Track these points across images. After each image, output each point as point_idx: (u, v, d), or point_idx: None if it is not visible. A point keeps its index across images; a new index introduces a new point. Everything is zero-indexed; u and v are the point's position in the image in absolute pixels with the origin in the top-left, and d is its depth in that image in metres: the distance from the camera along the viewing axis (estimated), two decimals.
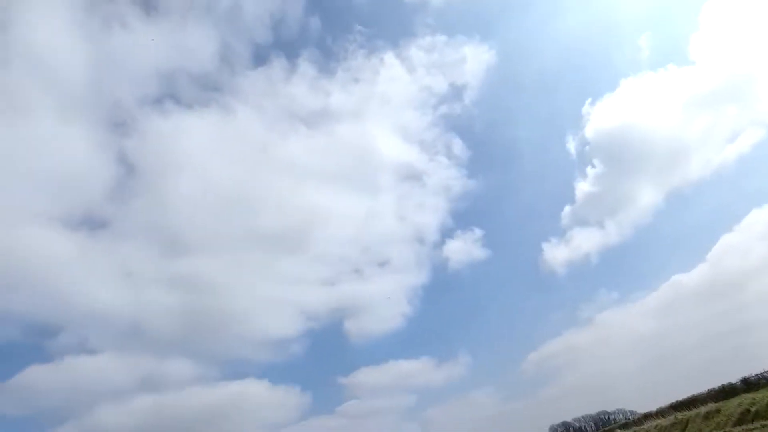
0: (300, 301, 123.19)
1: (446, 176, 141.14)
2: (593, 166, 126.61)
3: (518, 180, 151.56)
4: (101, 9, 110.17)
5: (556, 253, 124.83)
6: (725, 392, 36.37)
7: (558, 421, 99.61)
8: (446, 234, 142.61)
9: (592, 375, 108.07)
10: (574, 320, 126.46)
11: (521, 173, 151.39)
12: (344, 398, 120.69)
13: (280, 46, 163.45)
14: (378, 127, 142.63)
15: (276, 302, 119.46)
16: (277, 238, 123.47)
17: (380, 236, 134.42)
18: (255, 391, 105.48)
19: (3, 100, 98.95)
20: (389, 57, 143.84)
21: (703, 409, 33.16)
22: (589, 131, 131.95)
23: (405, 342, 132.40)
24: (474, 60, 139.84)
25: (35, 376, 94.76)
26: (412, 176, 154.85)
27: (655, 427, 38.53)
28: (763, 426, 24.98)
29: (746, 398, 29.94)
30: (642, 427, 42.57)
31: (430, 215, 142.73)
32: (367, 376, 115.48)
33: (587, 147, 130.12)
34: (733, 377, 38.15)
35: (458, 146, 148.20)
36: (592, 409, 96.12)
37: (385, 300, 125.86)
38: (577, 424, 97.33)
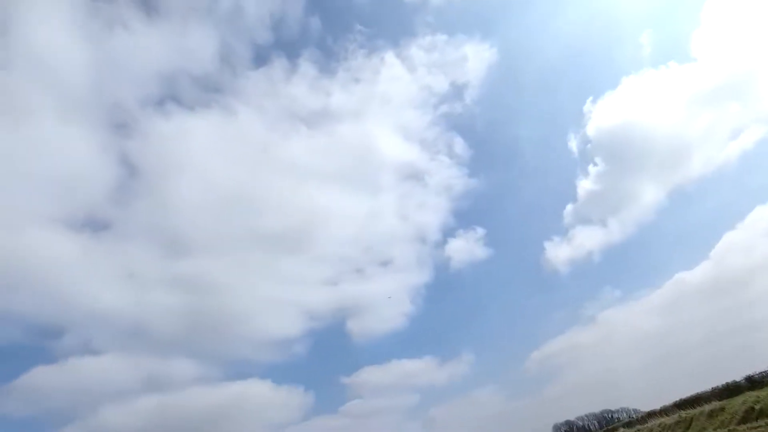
0: (302, 301, 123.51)
1: (447, 175, 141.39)
2: (595, 164, 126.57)
3: (520, 179, 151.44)
4: (102, 11, 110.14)
5: (559, 252, 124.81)
6: (729, 390, 36.25)
7: (561, 419, 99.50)
8: (448, 233, 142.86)
9: (595, 373, 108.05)
10: (577, 319, 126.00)
11: (523, 172, 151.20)
12: (347, 398, 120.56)
13: (280, 47, 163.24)
14: (379, 127, 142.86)
15: (278, 302, 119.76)
16: (279, 238, 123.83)
17: (382, 236, 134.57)
18: (258, 391, 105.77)
19: (5, 102, 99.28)
20: (390, 56, 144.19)
21: (707, 408, 33.09)
22: (591, 129, 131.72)
23: (408, 341, 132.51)
24: (475, 59, 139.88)
25: (40, 377, 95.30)
26: (413, 175, 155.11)
27: (659, 425, 38.43)
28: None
29: (750, 396, 29.87)
30: (646, 425, 42.44)
31: (432, 214, 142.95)
32: (370, 375, 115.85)
33: (589, 145, 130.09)
34: (737, 375, 38.07)
35: (459, 145, 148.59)
36: (596, 408, 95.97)
37: (387, 300, 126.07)
38: (581, 423, 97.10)
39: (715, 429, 29.68)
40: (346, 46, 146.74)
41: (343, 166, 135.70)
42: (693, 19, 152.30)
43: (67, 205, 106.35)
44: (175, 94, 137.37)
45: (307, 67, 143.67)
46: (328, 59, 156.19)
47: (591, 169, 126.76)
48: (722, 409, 31.10)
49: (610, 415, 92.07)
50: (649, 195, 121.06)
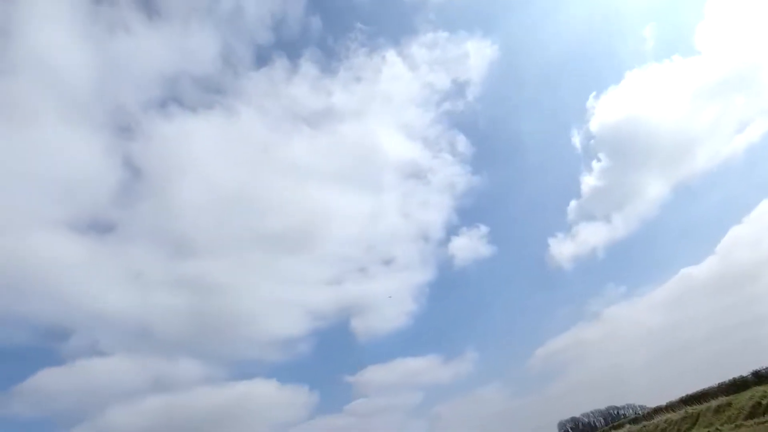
0: (306, 301, 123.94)
1: (450, 173, 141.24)
2: (599, 160, 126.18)
3: (523, 175, 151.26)
4: (104, 14, 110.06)
5: (563, 249, 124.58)
6: (736, 385, 35.91)
7: (567, 416, 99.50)
8: (451, 231, 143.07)
9: (600, 370, 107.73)
10: (581, 315, 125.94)
11: (526, 168, 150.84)
12: (352, 397, 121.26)
13: (281, 47, 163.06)
14: (381, 126, 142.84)
15: (283, 302, 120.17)
16: (283, 238, 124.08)
17: (385, 235, 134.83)
18: (263, 390, 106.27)
19: (9, 106, 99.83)
20: (391, 55, 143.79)
21: (714, 403, 32.87)
22: (594, 125, 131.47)
23: (412, 340, 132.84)
24: (476, 55, 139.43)
25: (48, 378, 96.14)
26: (416, 174, 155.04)
27: (666, 421, 38.22)
28: None
29: (758, 391, 29.65)
30: (652, 421, 42.18)
31: (435, 212, 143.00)
32: (374, 374, 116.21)
33: (592, 141, 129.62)
34: (744, 370, 37.60)
35: (462, 143, 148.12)
36: (601, 404, 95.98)
37: (390, 299, 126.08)
38: (586, 420, 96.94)
39: (722, 424, 29.48)
40: (347, 45, 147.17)
41: (346, 166, 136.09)
42: (697, 12, 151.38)
43: (71, 207, 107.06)
44: (177, 95, 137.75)
45: (308, 66, 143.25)
46: (329, 59, 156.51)
47: (594, 164, 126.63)
48: (729, 404, 30.89)
49: (615, 412, 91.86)
50: (653, 190, 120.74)
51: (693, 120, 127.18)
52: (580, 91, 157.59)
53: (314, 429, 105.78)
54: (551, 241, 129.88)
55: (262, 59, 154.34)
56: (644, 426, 43.85)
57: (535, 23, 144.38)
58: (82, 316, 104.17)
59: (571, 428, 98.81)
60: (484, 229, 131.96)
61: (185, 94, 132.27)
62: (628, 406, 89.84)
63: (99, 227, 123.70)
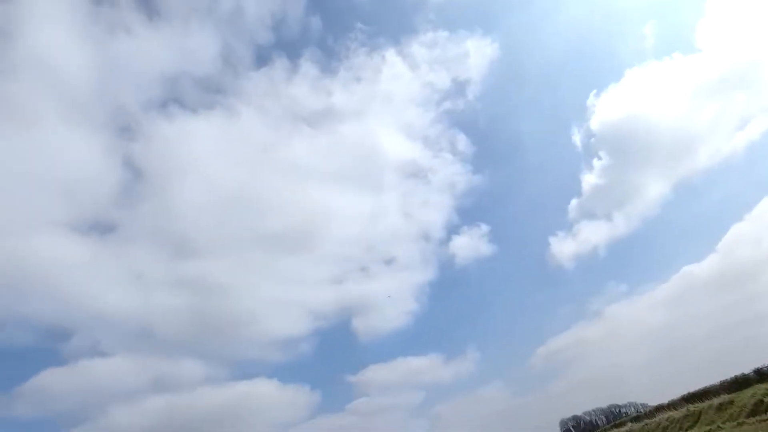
0: (307, 301, 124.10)
1: (451, 172, 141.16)
2: (599, 158, 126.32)
3: (524, 174, 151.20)
4: (104, 15, 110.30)
5: (564, 247, 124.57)
6: (738, 383, 35.87)
7: (568, 415, 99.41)
8: (452, 230, 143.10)
9: (602, 368, 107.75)
10: (582, 314, 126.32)
11: (527, 167, 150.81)
12: (353, 396, 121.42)
13: (281, 47, 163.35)
14: (381, 125, 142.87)
15: (284, 302, 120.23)
16: (284, 238, 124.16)
17: (386, 234, 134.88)
18: (265, 390, 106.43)
19: (9, 106, 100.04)
20: (391, 54, 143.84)
21: (715, 401, 32.83)
22: (595, 123, 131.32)
23: (413, 339, 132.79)
24: (477, 54, 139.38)
25: (50, 379, 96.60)
26: (416, 173, 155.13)
27: (667, 419, 38.21)
28: None
29: (760, 389, 29.59)
30: (654, 419, 42.17)
31: (436, 212, 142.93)
32: (375, 373, 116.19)
33: (593, 139, 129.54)
34: (746, 368, 37.57)
35: (462, 142, 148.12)
36: (603, 403, 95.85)
37: (391, 298, 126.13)
38: (588, 418, 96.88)
39: (724, 422, 29.45)
40: (347, 45, 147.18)
41: (346, 166, 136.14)
42: (697, 9, 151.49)
43: (72, 208, 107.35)
44: (178, 96, 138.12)
45: (308, 66, 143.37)
46: (329, 59, 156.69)
47: (595, 163, 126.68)
48: (731, 402, 30.86)
49: (617, 410, 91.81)
50: (654, 188, 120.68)
51: (694, 118, 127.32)
52: (580, 89, 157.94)
53: (316, 428, 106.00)
54: (552, 240, 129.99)
55: (262, 59, 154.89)
56: (646, 424, 43.83)
57: (535, 22, 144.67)
58: (83, 317, 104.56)
59: (573, 427, 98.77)
60: (484, 228, 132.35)
61: (185, 94, 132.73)
62: (630, 405, 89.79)
63: (100, 228, 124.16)
